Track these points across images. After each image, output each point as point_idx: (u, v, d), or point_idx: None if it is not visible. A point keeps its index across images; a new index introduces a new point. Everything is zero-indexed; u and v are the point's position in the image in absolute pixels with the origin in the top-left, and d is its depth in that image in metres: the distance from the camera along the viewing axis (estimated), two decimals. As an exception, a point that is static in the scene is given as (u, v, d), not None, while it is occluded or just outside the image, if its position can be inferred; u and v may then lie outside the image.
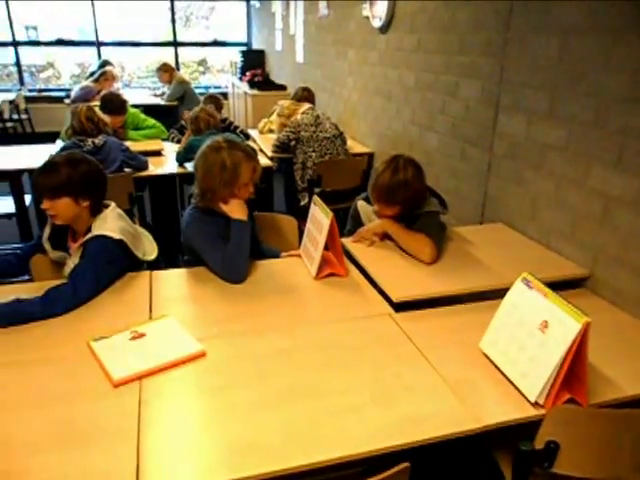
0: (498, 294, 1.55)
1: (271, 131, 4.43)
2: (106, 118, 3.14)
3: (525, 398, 1.30)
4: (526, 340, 1.34)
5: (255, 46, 8.41)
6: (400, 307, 1.73)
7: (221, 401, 1.27)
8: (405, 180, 2.02)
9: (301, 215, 2.43)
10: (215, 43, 8.66)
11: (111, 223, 1.82)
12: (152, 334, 1.51)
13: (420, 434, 1.18)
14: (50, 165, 1.78)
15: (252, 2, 8.19)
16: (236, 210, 1.88)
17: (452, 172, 2.93)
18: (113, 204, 1.92)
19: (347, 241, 2.14)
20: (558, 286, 1.45)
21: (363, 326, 1.63)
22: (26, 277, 1.97)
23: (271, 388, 1.32)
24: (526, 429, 1.25)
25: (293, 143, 3.65)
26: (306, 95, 4.02)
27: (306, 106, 3.79)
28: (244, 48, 8.38)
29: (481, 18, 2.58)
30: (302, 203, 3.65)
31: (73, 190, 1.76)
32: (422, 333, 1.58)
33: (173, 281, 1.90)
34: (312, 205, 1.97)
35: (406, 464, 1.06)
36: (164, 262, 2.04)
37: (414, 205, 2.08)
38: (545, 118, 2.18)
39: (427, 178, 2.13)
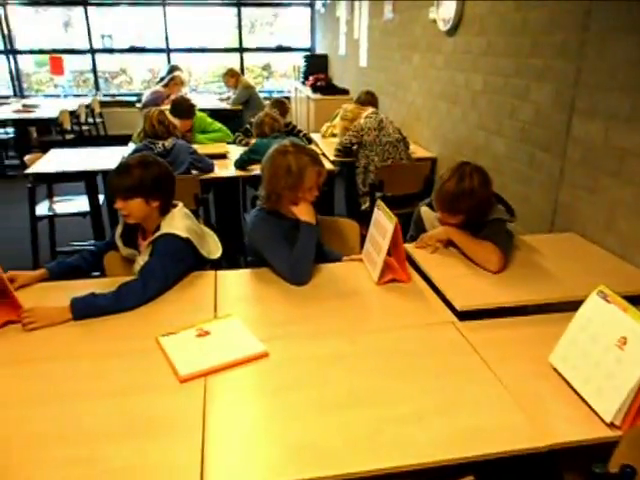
0: (568, 307, 1.49)
1: (334, 135, 4.45)
2: (175, 121, 3.26)
3: (599, 417, 1.23)
4: (602, 356, 1.27)
5: (318, 51, 8.48)
6: (464, 316, 1.69)
7: (282, 402, 1.28)
8: (471, 189, 1.96)
9: (361, 219, 2.42)
10: (279, 48, 8.81)
11: (179, 222, 1.88)
12: (217, 332, 1.55)
13: (485, 447, 1.14)
14: (124, 167, 1.86)
15: (317, 7, 8.27)
16: (305, 213, 1.90)
17: (520, 178, 2.84)
18: (181, 204, 1.99)
19: (410, 247, 2.11)
20: (636, 301, 1.36)
21: (425, 334, 1.60)
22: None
23: (331, 392, 1.32)
24: (599, 450, 1.18)
25: (355, 147, 3.64)
26: (370, 99, 4.01)
27: (369, 110, 3.77)
28: (307, 53, 8.47)
29: (555, 19, 2.48)
30: (363, 207, 3.63)
31: (144, 191, 1.83)
32: (487, 344, 1.53)
33: (237, 281, 1.94)
34: (376, 209, 1.96)
35: (471, 477, 1.03)
36: (225, 262, 2.09)
37: (479, 214, 2.02)
38: (625, 122, 2.06)
39: (493, 184, 2.07)
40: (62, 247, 4.00)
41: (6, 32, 7.92)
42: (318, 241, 2.07)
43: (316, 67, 7.51)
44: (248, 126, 4.18)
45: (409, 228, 2.33)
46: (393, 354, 1.49)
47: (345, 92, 6.51)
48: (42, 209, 3.68)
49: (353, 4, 6.14)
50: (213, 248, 2.03)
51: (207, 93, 8.28)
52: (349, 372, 1.41)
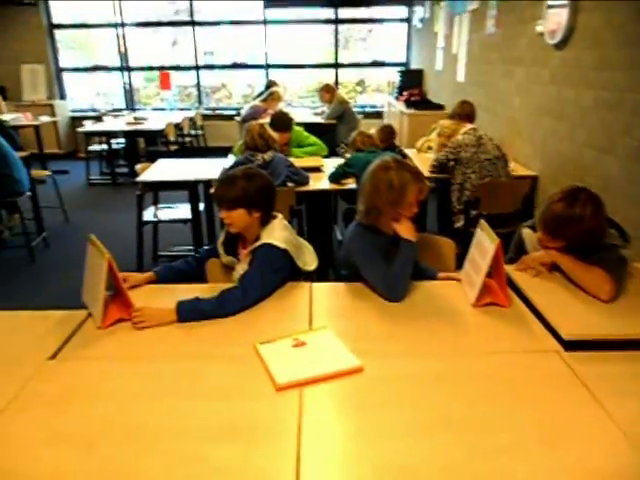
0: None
1: (430, 149, 4.39)
2: (274, 135, 3.36)
3: None
4: None
5: (413, 66, 8.44)
6: (570, 346, 1.58)
7: (375, 419, 1.27)
8: (580, 216, 1.84)
9: (454, 237, 2.36)
10: (374, 64, 8.87)
11: (278, 233, 1.93)
12: (312, 344, 1.56)
13: (595, 490, 1.06)
14: (229, 179, 1.95)
15: (414, 23, 8.26)
16: (406, 230, 1.89)
17: (635, 201, 2.64)
18: (280, 216, 2.04)
19: (510, 269, 2.02)
20: None
21: (526, 361, 1.52)
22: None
23: (425, 414, 1.29)
24: None
25: (452, 164, 3.57)
26: (468, 110, 3.88)
27: (468, 126, 3.69)
28: (402, 68, 8.46)
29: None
30: (456, 225, 3.55)
31: (247, 202, 1.91)
32: (597, 378, 1.42)
33: (332, 294, 1.95)
34: (478, 229, 1.90)
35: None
36: (315, 275, 2.12)
37: (582, 243, 1.89)
38: None
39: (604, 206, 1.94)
40: (163, 251, 4.25)
41: (122, 51, 8.61)
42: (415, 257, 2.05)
43: (411, 82, 7.48)
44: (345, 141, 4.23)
45: (506, 249, 2.24)
46: (491, 379, 1.43)
47: (440, 107, 6.41)
48: (148, 215, 3.94)
49: (453, 19, 6.06)
50: (309, 260, 2.06)
51: (301, 107, 8.49)
52: (444, 394, 1.37)
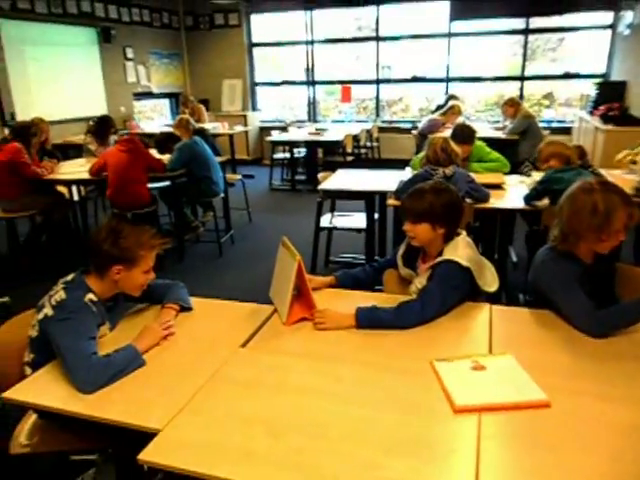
0: None
1: (634, 163, 3.92)
2: (457, 149, 3.29)
3: None
4: None
5: (615, 77, 7.64)
6: None
7: (560, 462, 1.16)
8: None
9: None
10: (566, 76, 8.22)
11: (461, 250, 1.88)
12: (493, 369, 1.49)
13: None
14: (417, 192, 1.95)
15: (619, 30, 7.47)
16: None
17: None
18: (464, 232, 2.00)
19: None
20: None
21: None
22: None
23: (615, 467, 1.14)
24: None
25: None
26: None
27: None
28: (600, 80, 7.70)
29: None
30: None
31: (433, 217, 1.89)
32: None
33: (514, 319, 1.85)
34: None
35: None
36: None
37: None
38: None
39: None
40: (334, 256, 4.42)
41: (309, 66, 9.19)
42: (612, 289, 1.85)
43: (609, 95, 6.76)
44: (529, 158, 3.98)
45: None
46: None
47: (644, 123, 5.71)
48: (324, 221, 4.13)
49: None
50: (490, 280, 1.98)
51: (479, 121, 8.21)
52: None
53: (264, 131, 9.24)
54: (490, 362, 1.53)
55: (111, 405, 1.42)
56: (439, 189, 1.93)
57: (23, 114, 6.14)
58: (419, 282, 1.97)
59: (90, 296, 1.69)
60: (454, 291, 1.84)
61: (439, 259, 1.88)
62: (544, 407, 1.35)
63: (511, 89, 8.40)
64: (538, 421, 1.31)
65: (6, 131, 5.98)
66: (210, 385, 1.48)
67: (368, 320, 1.75)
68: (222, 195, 4.94)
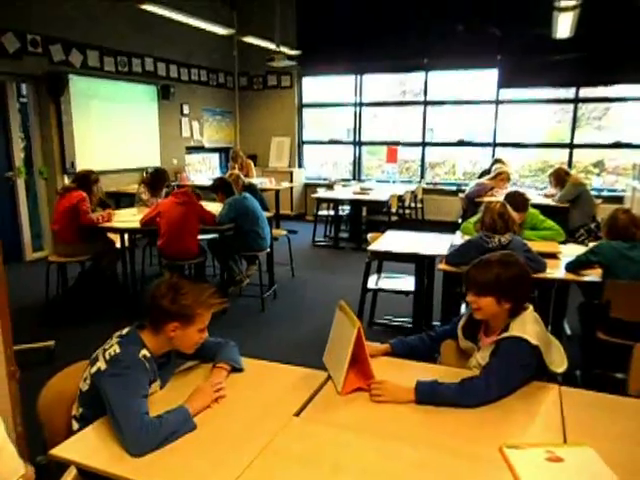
0: None
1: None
2: (515, 215, 3.21)
3: None
4: None
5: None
6: None
7: None
8: None
9: None
10: (616, 145, 8.11)
11: (530, 327, 1.79)
12: (571, 462, 1.36)
13: None
14: (484, 262, 1.89)
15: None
16: None
17: None
18: (531, 307, 1.90)
19: None
20: None
21: None
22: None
23: None
24: None
25: None
26: None
27: None
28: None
29: None
30: None
31: (498, 290, 1.81)
32: None
33: (586, 403, 1.71)
34: None
35: None
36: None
37: None
38: None
39: None
40: (378, 318, 4.32)
41: (357, 127, 9.40)
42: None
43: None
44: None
45: None
46: None
47: (703, 196, 5.51)
48: (371, 282, 4.06)
49: None
50: (557, 359, 1.86)
51: (524, 187, 8.11)
52: None
53: (309, 187, 9.39)
54: (567, 454, 1.40)
55: (158, 471, 1.35)
56: (507, 261, 1.86)
57: (82, 163, 6.43)
58: (481, 357, 1.87)
59: (144, 352, 1.66)
60: (521, 370, 1.73)
61: (505, 334, 1.79)
62: (633, 512, 1.22)
63: (557, 156, 8.33)
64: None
65: (66, 179, 6.26)
66: (263, 458, 1.40)
67: (429, 395, 1.66)
68: (268, 250, 4.97)
